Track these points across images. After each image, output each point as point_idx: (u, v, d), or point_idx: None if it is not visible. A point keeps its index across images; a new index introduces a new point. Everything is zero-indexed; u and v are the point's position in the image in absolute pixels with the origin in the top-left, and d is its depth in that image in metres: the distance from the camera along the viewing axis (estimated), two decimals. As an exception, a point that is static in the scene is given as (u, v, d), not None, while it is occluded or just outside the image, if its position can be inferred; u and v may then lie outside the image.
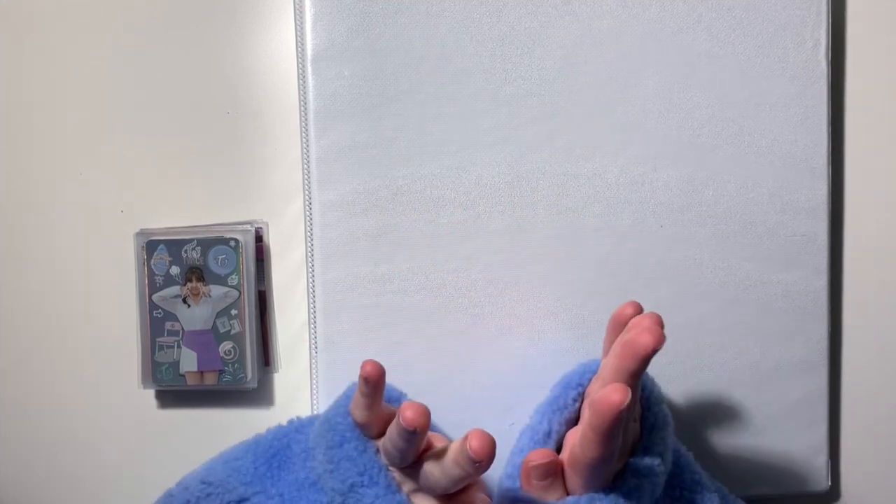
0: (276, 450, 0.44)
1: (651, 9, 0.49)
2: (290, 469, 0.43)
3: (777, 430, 0.52)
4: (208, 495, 0.42)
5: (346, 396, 0.43)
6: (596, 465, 0.36)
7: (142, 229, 0.51)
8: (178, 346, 0.50)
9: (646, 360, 0.35)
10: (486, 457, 0.34)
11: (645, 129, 0.50)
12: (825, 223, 0.51)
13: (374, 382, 0.38)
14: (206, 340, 0.50)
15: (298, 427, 0.45)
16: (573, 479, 0.38)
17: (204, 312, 0.50)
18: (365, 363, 0.38)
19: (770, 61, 0.50)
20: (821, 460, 0.52)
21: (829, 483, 0.53)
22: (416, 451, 0.38)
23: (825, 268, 0.52)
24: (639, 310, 0.41)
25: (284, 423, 0.46)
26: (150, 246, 0.50)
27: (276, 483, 0.42)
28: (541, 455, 0.38)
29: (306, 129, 0.48)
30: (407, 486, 0.40)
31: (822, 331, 0.52)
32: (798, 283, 0.51)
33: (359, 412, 0.40)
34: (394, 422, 0.38)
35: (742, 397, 0.51)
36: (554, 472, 0.38)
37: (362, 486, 0.39)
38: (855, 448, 0.56)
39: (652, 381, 0.43)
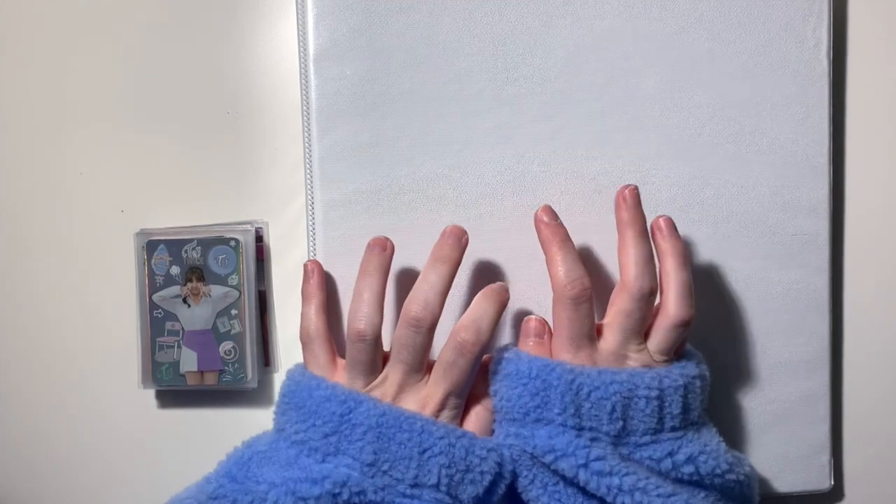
0: (245, 457, 0.43)
1: (652, 8, 0.49)
2: (268, 461, 0.42)
3: (779, 429, 0.52)
4: None
5: (291, 370, 0.45)
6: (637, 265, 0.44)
7: (142, 229, 0.51)
8: (179, 346, 0.50)
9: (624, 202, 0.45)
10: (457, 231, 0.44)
11: (646, 128, 0.50)
12: (826, 222, 0.51)
13: (317, 273, 0.46)
14: (206, 340, 0.50)
15: (257, 438, 0.45)
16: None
17: (204, 312, 0.50)
18: (306, 262, 0.46)
19: (771, 60, 0.50)
20: (823, 459, 0.52)
21: (832, 482, 0.53)
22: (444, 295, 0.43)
23: (826, 266, 0.52)
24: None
25: None
26: (151, 246, 0.50)
27: (261, 478, 0.41)
28: (536, 318, 0.45)
29: (308, 129, 0.48)
30: (388, 398, 0.43)
31: (824, 329, 0.52)
32: (799, 282, 0.51)
33: (313, 320, 0.45)
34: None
35: (743, 396, 0.52)
36: (542, 333, 0.45)
37: (350, 411, 0.41)
38: (858, 447, 0.56)
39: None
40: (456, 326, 0.43)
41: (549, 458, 0.41)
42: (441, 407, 0.43)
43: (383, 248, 0.44)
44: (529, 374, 0.42)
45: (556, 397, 0.42)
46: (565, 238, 0.45)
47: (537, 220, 0.45)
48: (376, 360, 0.43)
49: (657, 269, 0.45)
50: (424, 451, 0.41)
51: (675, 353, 0.46)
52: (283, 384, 0.45)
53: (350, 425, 0.41)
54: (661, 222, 0.46)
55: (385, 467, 0.41)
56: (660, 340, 0.44)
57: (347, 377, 0.44)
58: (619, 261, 0.45)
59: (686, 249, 0.46)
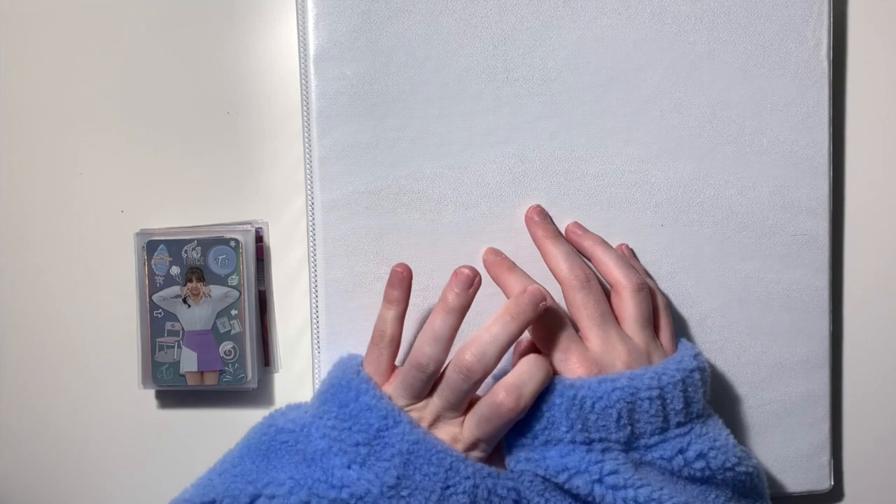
0: (268, 442, 0.44)
1: (652, 8, 0.49)
2: (290, 451, 0.43)
3: (779, 429, 0.52)
4: None
5: (346, 362, 0.45)
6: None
7: (142, 229, 0.51)
8: (179, 346, 0.50)
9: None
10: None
11: (646, 128, 0.50)
12: (826, 222, 0.51)
13: (406, 280, 0.44)
14: (206, 340, 0.50)
15: (284, 412, 0.45)
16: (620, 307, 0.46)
17: (204, 312, 0.50)
18: (397, 265, 0.44)
19: (771, 61, 0.50)
20: (823, 459, 0.52)
21: (832, 482, 0.53)
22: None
23: (826, 267, 0.52)
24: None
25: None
26: (151, 246, 0.50)
27: (283, 469, 0.42)
28: (528, 339, 0.45)
29: (308, 129, 0.48)
30: (424, 423, 0.42)
31: (824, 329, 0.52)
32: (799, 282, 0.51)
33: (390, 325, 0.44)
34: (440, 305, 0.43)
35: (743, 396, 0.52)
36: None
37: (387, 428, 0.41)
38: (858, 447, 0.56)
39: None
40: (499, 384, 0.42)
41: (562, 478, 0.41)
42: (471, 449, 0.43)
43: (469, 285, 0.42)
44: None
45: (561, 415, 0.42)
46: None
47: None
48: (425, 391, 0.43)
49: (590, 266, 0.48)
50: (447, 487, 0.41)
51: (668, 342, 0.47)
52: (332, 372, 0.45)
53: (383, 444, 0.41)
54: (571, 226, 0.49)
55: (405, 493, 0.40)
56: (631, 314, 0.45)
57: (394, 390, 0.43)
58: (549, 267, 0.47)
59: (601, 239, 0.49)
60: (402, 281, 0.44)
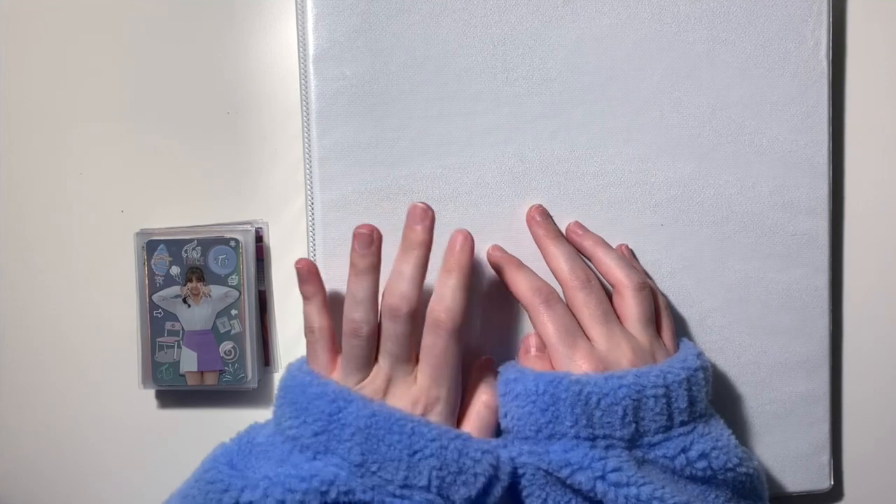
0: (244, 448, 0.44)
1: (652, 8, 0.49)
2: (265, 455, 0.43)
3: (779, 428, 0.52)
4: None
5: (292, 365, 0.46)
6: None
7: (142, 229, 0.51)
8: (179, 346, 0.50)
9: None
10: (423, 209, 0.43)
11: (646, 128, 0.50)
12: (826, 222, 0.51)
13: (312, 272, 0.45)
14: (206, 340, 0.50)
15: (258, 425, 0.45)
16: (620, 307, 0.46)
17: (204, 312, 0.50)
18: (297, 261, 0.45)
19: (771, 60, 0.50)
20: (823, 459, 0.52)
21: (832, 482, 0.53)
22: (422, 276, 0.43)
23: (826, 266, 0.52)
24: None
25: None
26: (150, 246, 0.50)
27: (257, 470, 0.42)
28: (535, 334, 0.46)
29: (308, 129, 0.48)
30: (379, 394, 0.43)
31: (824, 329, 0.52)
32: (799, 282, 0.51)
33: (316, 318, 0.45)
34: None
35: (743, 396, 0.52)
36: (543, 346, 0.45)
37: (339, 410, 0.41)
38: (857, 446, 0.56)
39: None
40: (428, 310, 0.43)
41: (565, 473, 0.41)
42: (433, 403, 0.43)
43: (370, 243, 0.44)
44: (537, 391, 0.42)
45: (567, 410, 0.42)
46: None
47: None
48: (370, 357, 0.44)
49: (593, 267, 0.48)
50: (414, 453, 0.41)
51: (669, 341, 0.47)
52: (282, 376, 0.45)
53: (339, 425, 0.41)
54: (572, 226, 0.49)
55: (374, 468, 0.40)
56: (634, 313, 0.45)
57: (342, 374, 0.44)
58: (550, 267, 0.47)
59: (602, 239, 0.49)
60: (309, 274, 0.45)
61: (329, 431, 0.41)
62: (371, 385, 0.43)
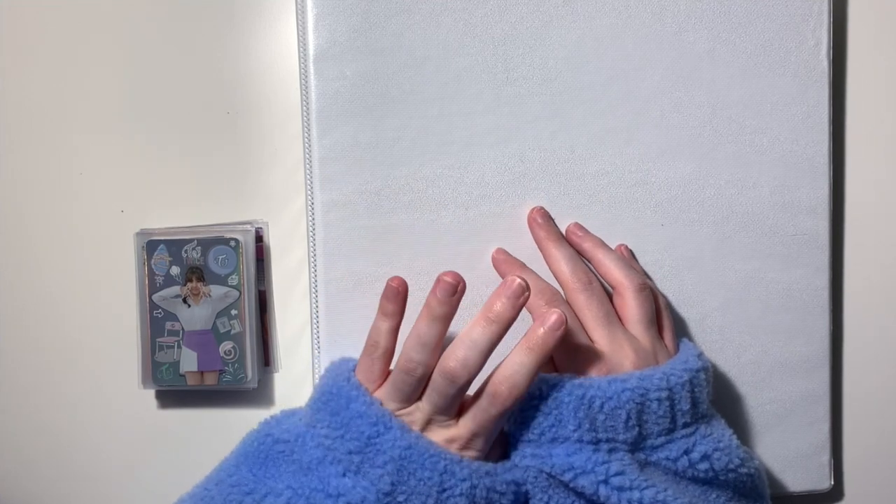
0: (265, 451, 0.43)
1: (652, 8, 0.49)
2: (287, 461, 0.43)
3: (779, 428, 0.52)
4: None
5: (337, 368, 0.44)
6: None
7: (142, 229, 0.51)
8: (179, 346, 0.50)
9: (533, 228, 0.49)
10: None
11: (646, 128, 0.50)
12: (826, 222, 0.51)
13: (401, 294, 0.42)
14: (206, 340, 0.50)
15: (279, 420, 0.45)
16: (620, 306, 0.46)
17: (204, 312, 0.50)
18: (392, 278, 0.42)
19: (771, 60, 0.50)
20: (823, 459, 0.52)
21: (832, 482, 0.53)
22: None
23: (826, 266, 0.52)
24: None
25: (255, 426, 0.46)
26: (150, 246, 0.50)
27: (280, 478, 0.42)
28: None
29: (308, 129, 0.48)
30: (416, 426, 0.42)
31: (824, 329, 0.52)
32: (799, 282, 0.51)
33: (384, 337, 0.43)
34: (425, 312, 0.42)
35: (743, 396, 0.52)
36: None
37: (378, 435, 0.41)
38: (858, 446, 0.56)
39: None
40: (493, 377, 0.41)
41: (568, 477, 0.41)
42: (467, 447, 0.42)
43: (453, 293, 0.41)
44: (540, 395, 0.42)
45: (570, 414, 0.42)
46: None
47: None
48: (415, 395, 0.43)
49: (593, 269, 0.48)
50: (444, 490, 0.40)
51: (670, 342, 0.47)
52: (323, 379, 0.44)
53: (375, 450, 0.41)
54: (572, 227, 0.49)
55: (401, 499, 0.40)
56: (635, 314, 0.45)
57: (385, 394, 0.43)
58: (551, 269, 0.48)
59: (602, 241, 0.49)
60: (396, 295, 0.43)
61: (364, 454, 0.41)
62: (410, 416, 0.42)
